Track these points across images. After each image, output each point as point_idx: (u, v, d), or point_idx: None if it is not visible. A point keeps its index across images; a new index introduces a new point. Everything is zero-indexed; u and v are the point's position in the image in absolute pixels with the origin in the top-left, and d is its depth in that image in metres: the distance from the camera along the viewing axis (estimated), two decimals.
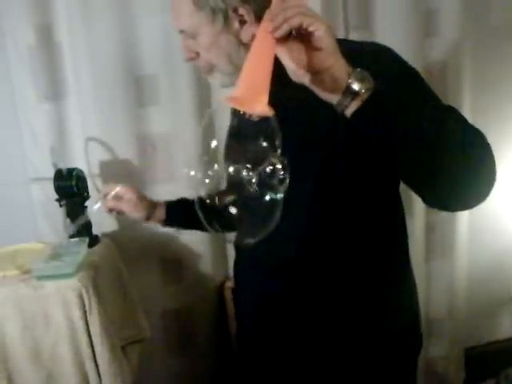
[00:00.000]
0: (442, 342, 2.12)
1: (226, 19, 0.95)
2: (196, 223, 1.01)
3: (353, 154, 0.94)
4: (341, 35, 1.70)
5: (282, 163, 0.78)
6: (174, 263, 1.83)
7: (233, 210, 0.83)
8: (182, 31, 1.01)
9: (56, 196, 1.54)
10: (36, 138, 1.68)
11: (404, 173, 0.83)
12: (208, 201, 0.84)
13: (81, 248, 1.48)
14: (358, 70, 0.74)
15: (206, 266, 1.87)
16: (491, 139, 0.82)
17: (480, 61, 1.93)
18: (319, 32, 0.70)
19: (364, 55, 0.88)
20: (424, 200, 0.85)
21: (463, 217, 2.00)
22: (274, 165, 0.78)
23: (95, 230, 1.73)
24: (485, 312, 2.28)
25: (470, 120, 0.83)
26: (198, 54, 1.02)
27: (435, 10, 1.81)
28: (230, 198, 0.82)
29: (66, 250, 1.47)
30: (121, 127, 1.69)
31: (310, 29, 0.70)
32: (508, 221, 2.19)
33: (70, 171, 1.52)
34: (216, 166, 0.81)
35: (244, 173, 0.79)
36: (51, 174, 1.68)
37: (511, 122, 2.05)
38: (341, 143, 0.93)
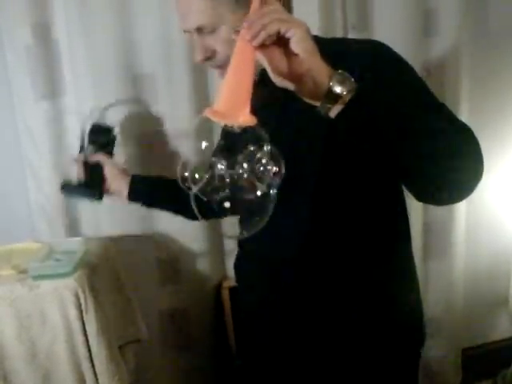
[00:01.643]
0: (439, 342, 2.12)
1: (248, 3, 0.90)
2: (166, 202, 1.04)
3: (351, 153, 0.92)
4: (339, 36, 1.70)
5: (272, 156, 0.78)
6: (171, 263, 1.83)
7: (226, 205, 0.82)
8: (198, 29, 0.96)
9: None
10: (33, 136, 1.68)
11: (392, 169, 0.85)
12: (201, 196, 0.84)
13: (77, 247, 1.47)
14: (339, 71, 0.74)
15: (204, 265, 1.86)
16: (488, 139, 0.82)
17: (478, 61, 1.93)
18: (295, 37, 0.71)
19: (361, 53, 0.90)
20: (412, 193, 0.87)
21: (460, 217, 2.00)
22: (263, 159, 0.78)
23: (91, 232, 1.74)
24: (482, 312, 2.28)
25: (467, 120, 0.83)
26: (214, 51, 0.98)
27: (434, 10, 1.81)
28: (223, 194, 0.82)
29: (62, 249, 1.47)
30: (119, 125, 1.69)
31: (287, 35, 0.71)
32: (505, 221, 2.19)
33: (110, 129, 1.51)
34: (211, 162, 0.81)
35: (236, 168, 0.79)
36: (48, 172, 1.68)
37: (508, 122, 2.06)
38: (339, 142, 0.92)
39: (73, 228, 1.76)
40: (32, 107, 1.64)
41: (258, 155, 0.77)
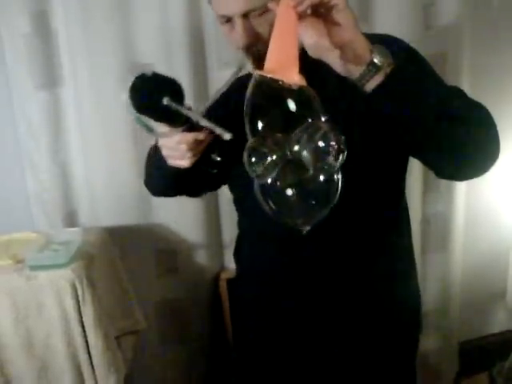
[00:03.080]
0: (437, 334, 2.13)
1: None
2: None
3: (369, 135, 0.97)
4: None
5: (334, 132, 0.75)
6: (169, 254, 1.82)
7: (289, 192, 0.79)
8: (251, 11, 0.90)
9: None
10: (31, 126, 1.67)
11: (417, 146, 0.86)
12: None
13: (75, 238, 1.47)
14: (378, 45, 0.76)
15: (202, 257, 1.86)
16: None
17: (479, 53, 1.92)
18: (339, 6, 0.72)
19: (381, 42, 0.90)
20: (435, 170, 0.91)
21: (459, 210, 1.99)
22: (326, 135, 0.74)
23: (89, 222, 1.72)
24: (479, 305, 2.28)
25: None
26: (258, 35, 0.93)
27: (434, 1, 1.80)
28: (287, 179, 0.79)
29: (59, 239, 1.47)
30: (117, 116, 1.67)
31: (332, 3, 0.72)
32: (503, 214, 2.19)
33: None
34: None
35: (295, 148, 0.75)
36: (46, 162, 1.67)
37: (508, 115, 2.05)
38: (358, 125, 0.96)
39: (70, 218, 1.75)
40: (30, 97, 1.63)
41: (321, 127, 0.74)
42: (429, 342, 2.12)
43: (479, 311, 2.30)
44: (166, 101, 0.85)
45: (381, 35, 1.02)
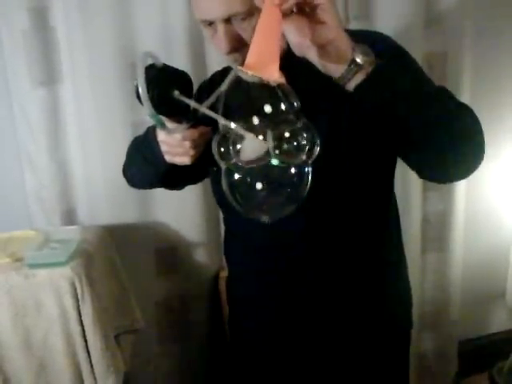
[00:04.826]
0: (436, 334, 2.12)
1: None
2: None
3: (356, 132, 0.96)
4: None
5: (305, 128, 0.77)
6: (169, 252, 1.82)
7: (258, 186, 0.78)
8: (233, 15, 0.90)
9: None
10: (30, 123, 1.66)
11: (400, 146, 0.86)
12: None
13: (74, 236, 1.47)
14: (361, 44, 0.76)
15: (201, 255, 1.86)
16: (489, 131, 0.85)
17: (480, 51, 1.91)
18: (325, 5, 0.72)
19: (364, 40, 0.90)
20: (419, 172, 0.90)
21: (459, 209, 1.99)
22: (295, 130, 0.76)
23: (87, 220, 1.71)
24: (479, 305, 2.29)
25: None
26: (242, 40, 0.92)
27: (435, 0, 1.79)
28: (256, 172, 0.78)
29: (58, 237, 1.47)
30: (116, 114, 1.67)
31: (316, 2, 0.71)
32: (503, 213, 2.19)
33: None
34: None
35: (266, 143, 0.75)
36: (45, 160, 1.67)
37: (508, 115, 2.05)
38: (344, 122, 0.95)
39: (69, 216, 1.74)
40: (28, 94, 1.62)
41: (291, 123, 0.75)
42: (428, 342, 2.12)
43: (479, 311, 2.30)
44: (176, 94, 0.83)
45: (369, 32, 1.02)
